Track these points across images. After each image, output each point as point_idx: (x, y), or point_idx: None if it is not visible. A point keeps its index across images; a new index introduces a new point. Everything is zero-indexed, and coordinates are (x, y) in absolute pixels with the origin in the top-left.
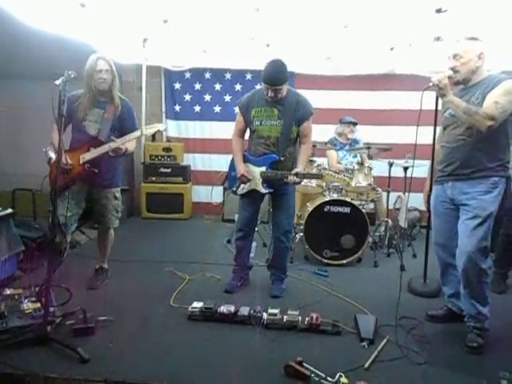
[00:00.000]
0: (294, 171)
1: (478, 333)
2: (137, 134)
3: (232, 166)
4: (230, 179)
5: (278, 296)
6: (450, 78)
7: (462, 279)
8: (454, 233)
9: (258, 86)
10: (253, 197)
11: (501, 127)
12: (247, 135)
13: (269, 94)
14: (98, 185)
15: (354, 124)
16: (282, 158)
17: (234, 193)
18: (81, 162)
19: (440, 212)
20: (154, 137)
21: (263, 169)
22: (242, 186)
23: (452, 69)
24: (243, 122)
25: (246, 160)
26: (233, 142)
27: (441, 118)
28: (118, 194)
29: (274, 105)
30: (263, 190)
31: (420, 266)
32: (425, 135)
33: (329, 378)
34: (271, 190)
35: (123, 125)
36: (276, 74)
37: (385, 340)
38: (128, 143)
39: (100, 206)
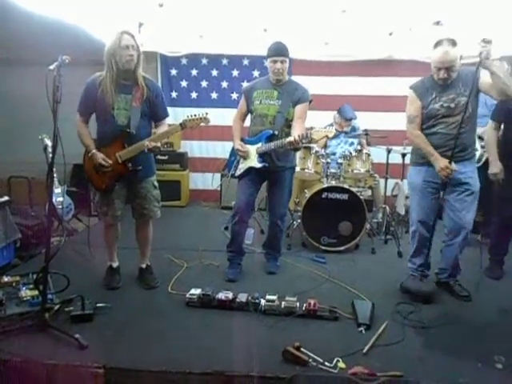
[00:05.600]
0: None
1: (460, 284)
2: (178, 127)
3: (232, 152)
4: (230, 164)
5: (274, 272)
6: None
7: (460, 246)
8: (433, 210)
9: (255, 72)
10: (250, 178)
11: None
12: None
13: (276, 68)
14: (136, 178)
15: (352, 119)
16: (277, 132)
17: (233, 176)
18: (119, 161)
19: (426, 191)
20: None
21: (259, 145)
22: (240, 166)
23: (446, 79)
24: (245, 105)
25: (244, 143)
26: (233, 124)
27: (418, 109)
28: (156, 183)
29: (274, 87)
30: (258, 165)
31: None
32: None
33: (327, 363)
34: (266, 165)
35: (153, 110)
36: (280, 46)
37: (383, 326)
38: (160, 129)
39: (141, 199)
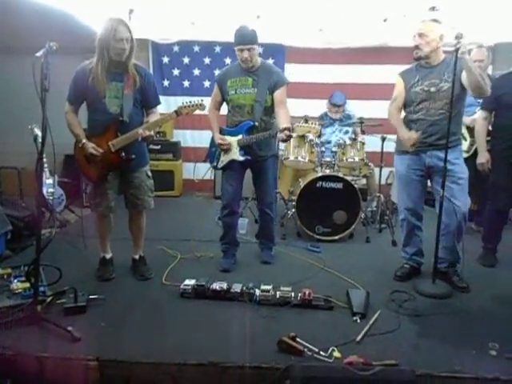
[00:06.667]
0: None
1: (458, 274)
2: (173, 114)
3: (212, 142)
4: (211, 155)
5: (269, 262)
6: None
7: (455, 234)
8: (421, 197)
9: None
10: (233, 169)
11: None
12: (224, 111)
13: (244, 56)
14: (129, 167)
15: (340, 105)
16: (257, 124)
17: (215, 168)
18: (112, 150)
19: (412, 179)
20: None
21: (240, 137)
22: (222, 159)
23: (416, 46)
24: (220, 94)
25: (222, 134)
26: (209, 114)
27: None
28: (150, 173)
29: (248, 74)
30: (240, 158)
31: None
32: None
33: (322, 353)
34: (248, 157)
35: (145, 97)
36: (246, 32)
37: (376, 314)
38: (152, 117)
39: (134, 189)
